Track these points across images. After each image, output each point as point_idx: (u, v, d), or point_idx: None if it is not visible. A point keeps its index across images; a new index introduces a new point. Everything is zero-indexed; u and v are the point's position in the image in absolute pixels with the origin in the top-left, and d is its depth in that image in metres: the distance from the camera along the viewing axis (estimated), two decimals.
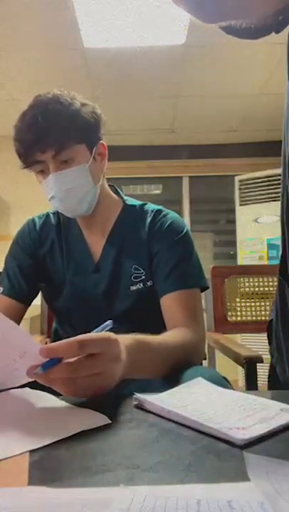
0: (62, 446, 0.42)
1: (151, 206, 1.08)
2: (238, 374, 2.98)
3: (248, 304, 1.81)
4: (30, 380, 0.56)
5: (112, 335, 0.57)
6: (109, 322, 0.62)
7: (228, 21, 0.51)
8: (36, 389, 0.58)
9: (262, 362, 1.19)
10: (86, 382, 0.53)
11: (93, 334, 0.56)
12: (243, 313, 1.81)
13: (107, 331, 0.60)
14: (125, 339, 0.63)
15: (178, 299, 0.93)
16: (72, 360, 0.52)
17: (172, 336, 0.85)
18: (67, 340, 0.52)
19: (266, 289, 1.83)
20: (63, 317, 1.09)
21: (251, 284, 1.84)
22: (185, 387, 0.60)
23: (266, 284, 1.84)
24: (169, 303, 0.94)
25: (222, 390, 0.59)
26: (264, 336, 0.90)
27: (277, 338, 0.81)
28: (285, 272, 0.76)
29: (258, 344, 2.72)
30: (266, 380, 0.84)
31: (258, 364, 1.21)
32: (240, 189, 3.49)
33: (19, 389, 0.59)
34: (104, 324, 0.62)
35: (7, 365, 0.54)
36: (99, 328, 0.61)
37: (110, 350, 0.56)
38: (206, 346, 1.65)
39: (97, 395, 0.55)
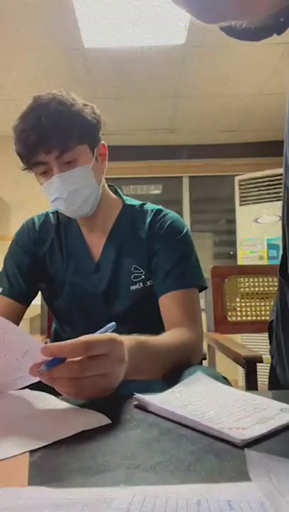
0: (62, 446, 0.42)
1: (150, 206, 1.08)
2: (238, 374, 2.98)
3: (248, 304, 1.81)
4: (33, 381, 0.56)
5: (117, 336, 0.57)
6: (112, 324, 0.62)
7: (228, 22, 0.51)
8: (37, 390, 0.58)
9: (262, 362, 1.19)
10: (90, 383, 0.53)
11: (98, 335, 0.56)
12: (243, 313, 1.81)
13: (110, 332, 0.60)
14: (126, 340, 0.63)
15: (176, 298, 0.93)
16: (77, 359, 0.52)
17: (171, 336, 0.85)
18: (73, 340, 0.52)
19: (266, 289, 1.83)
20: (63, 317, 1.09)
21: (251, 284, 1.84)
22: (185, 385, 0.60)
23: (266, 284, 1.84)
24: (168, 302, 0.94)
25: (222, 387, 0.59)
26: (264, 336, 0.90)
27: (277, 338, 0.81)
28: (285, 273, 0.76)
29: (258, 344, 2.72)
30: (266, 380, 0.84)
31: (258, 364, 1.20)
32: (240, 189, 3.48)
33: (19, 390, 0.59)
34: (108, 326, 0.62)
35: (10, 364, 0.54)
36: (102, 329, 0.61)
37: (116, 351, 0.55)
38: (206, 346, 1.66)
39: (98, 397, 0.54)
